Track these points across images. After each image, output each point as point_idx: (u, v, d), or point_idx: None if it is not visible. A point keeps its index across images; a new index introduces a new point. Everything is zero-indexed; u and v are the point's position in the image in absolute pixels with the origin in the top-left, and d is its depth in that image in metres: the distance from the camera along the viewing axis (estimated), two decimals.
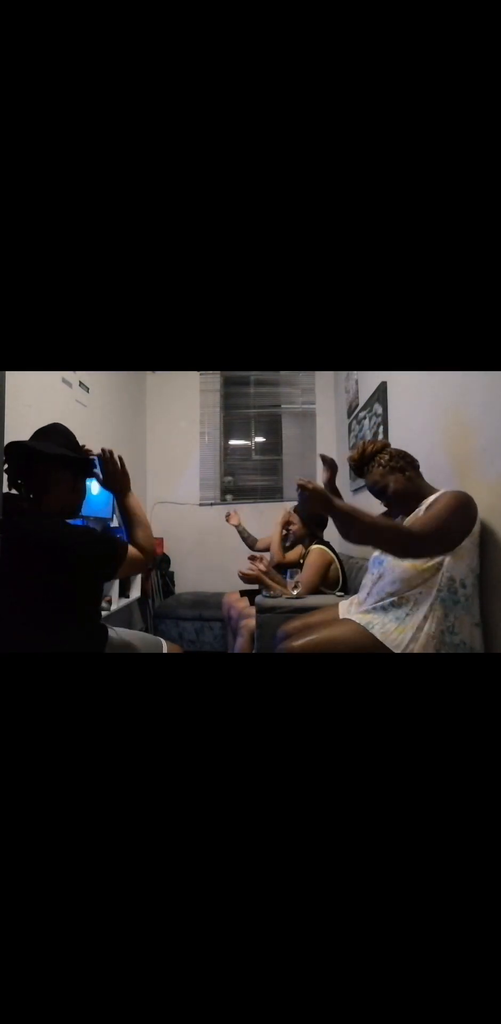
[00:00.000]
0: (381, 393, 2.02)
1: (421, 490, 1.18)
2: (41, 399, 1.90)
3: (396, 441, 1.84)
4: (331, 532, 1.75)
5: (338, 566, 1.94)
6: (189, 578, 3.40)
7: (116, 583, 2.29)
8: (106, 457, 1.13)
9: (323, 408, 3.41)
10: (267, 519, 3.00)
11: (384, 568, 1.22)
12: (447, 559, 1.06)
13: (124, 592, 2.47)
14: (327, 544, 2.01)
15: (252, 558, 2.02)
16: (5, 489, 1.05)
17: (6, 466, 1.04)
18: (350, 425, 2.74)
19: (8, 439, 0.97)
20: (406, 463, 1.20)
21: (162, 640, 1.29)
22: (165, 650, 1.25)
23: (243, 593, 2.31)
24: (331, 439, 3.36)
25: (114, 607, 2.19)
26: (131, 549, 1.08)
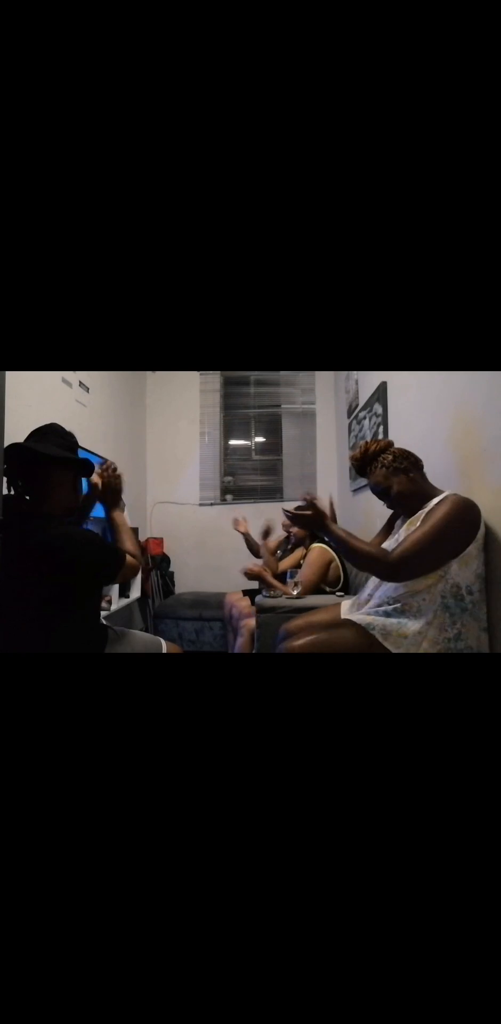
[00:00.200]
0: (381, 393, 2.02)
1: (425, 491, 1.16)
2: (41, 399, 1.90)
3: (396, 441, 1.83)
4: None
5: (339, 565, 1.94)
6: (189, 578, 3.40)
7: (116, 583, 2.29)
8: (109, 471, 1.21)
9: (323, 408, 3.40)
10: (267, 519, 3.00)
11: None
12: (452, 566, 1.04)
13: (124, 592, 2.47)
14: (328, 543, 2.00)
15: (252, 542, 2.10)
16: (4, 491, 1.04)
17: (5, 467, 1.04)
18: (350, 425, 2.74)
19: (8, 439, 0.97)
20: (410, 464, 1.18)
21: (162, 640, 1.29)
22: (165, 650, 1.25)
23: (245, 593, 2.31)
24: (331, 439, 3.36)
25: (114, 607, 2.19)
26: (128, 557, 1.11)
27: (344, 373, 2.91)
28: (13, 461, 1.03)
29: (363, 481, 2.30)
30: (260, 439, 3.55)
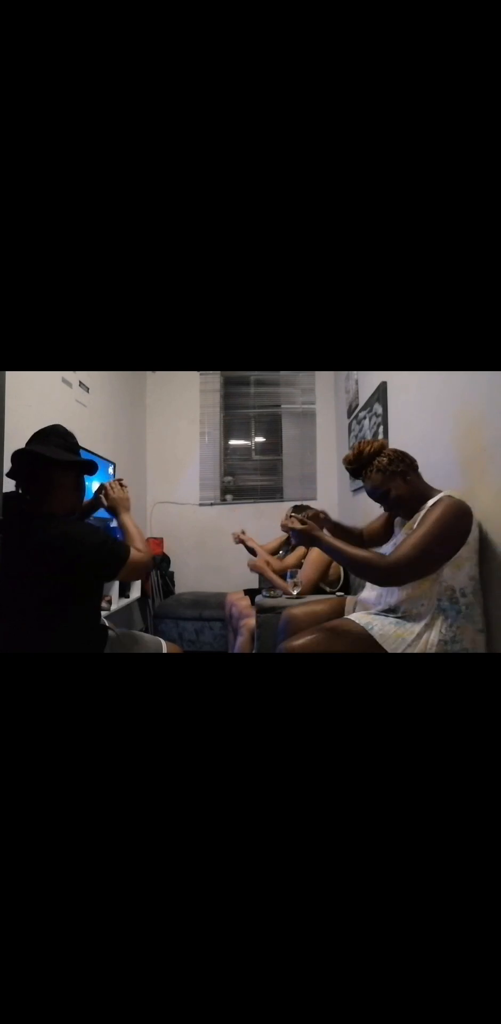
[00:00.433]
0: (381, 393, 2.02)
1: (422, 492, 1.16)
2: (41, 399, 1.90)
3: (396, 441, 1.84)
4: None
5: (339, 565, 1.95)
6: (189, 578, 3.40)
7: (116, 583, 2.29)
8: (109, 491, 1.24)
9: (323, 408, 3.40)
10: (267, 519, 3.00)
11: None
12: (444, 570, 1.05)
13: (124, 592, 2.47)
14: None
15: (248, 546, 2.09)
16: (7, 489, 1.05)
17: (11, 470, 1.05)
18: (350, 425, 2.74)
19: (8, 439, 0.97)
20: (406, 466, 1.18)
21: (162, 640, 1.29)
22: (165, 650, 1.25)
23: (245, 592, 2.31)
24: (331, 439, 3.36)
25: (114, 607, 2.19)
26: (133, 552, 1.09)
27: (344, 373, 2.91)
28: (17, 465, 1.04)
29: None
30: (260, 439, 3.55)
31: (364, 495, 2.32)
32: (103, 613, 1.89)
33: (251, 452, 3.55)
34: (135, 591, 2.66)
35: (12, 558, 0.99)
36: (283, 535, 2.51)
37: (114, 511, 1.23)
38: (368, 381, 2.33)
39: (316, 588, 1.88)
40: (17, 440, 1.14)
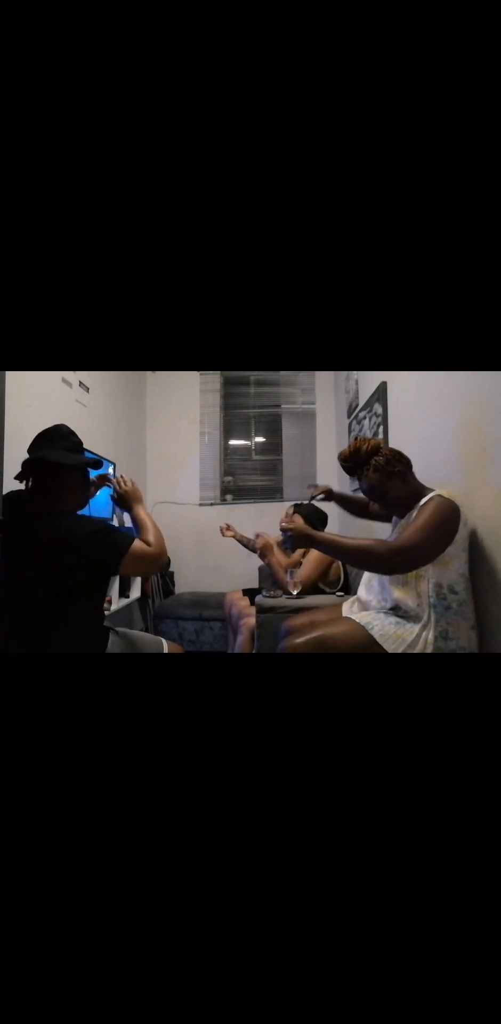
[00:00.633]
0: (381, 393, 2.02)
1: (416, 491, 1.18)
2: (41, 399, 1.90)
3: (396, 441, 1.84)
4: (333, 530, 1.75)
5: (339, 565, 1.94)
6: (189, 578, 3.40)
7: (116, 583, 2.29)
8: (117, 482, 1.21)
9: (323, 408, 3.40)
10: (267, 519, 3.00)
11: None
12: (432, 567, 1.07)
13: (124, 592, 2.47)
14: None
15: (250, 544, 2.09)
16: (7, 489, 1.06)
17: (20, 476, 1.06)
18: (350, 425, 2.74)
19: (8, 439, 0.97)
20: (402, 466, 1.18)
21: (163, 640, 1.29)
22: (166, 650, 1.25)
23: (245, 592, 2.31)
24: (331, 439, 3.36)
25: (114, 607, 2.19)
26: (137, 543, 1.05)
27: (344, 373, 2.91)
28: (26, 470, 1.05)
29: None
30: (260, 439, 3.55)
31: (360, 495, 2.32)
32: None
33: (251, 452, 3.55)
34: (135, 591, 2.66)
35: (14, 557, 0.99)
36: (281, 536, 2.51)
37: (127, 505, 1.20)
38: (368, 381, 2.33)
39: (315, 587, 1.87)
40: (17, 440, 1.14)
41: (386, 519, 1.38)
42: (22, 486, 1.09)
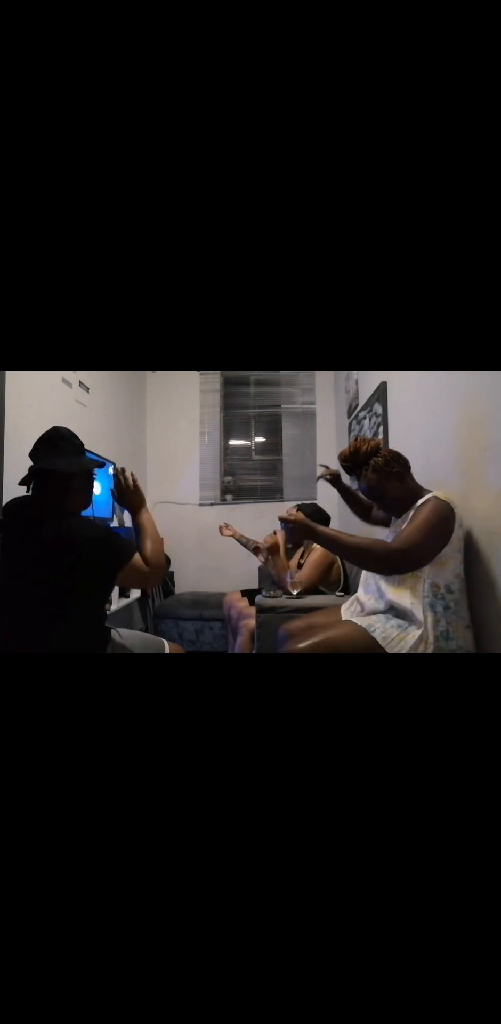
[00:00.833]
0: (381, 393, 2.02)
1: (414, 492, 1.19)
2: (41, 399, 1.90)
3: (396, 441, 1.84)
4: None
5: (340, 567, 1.94)
6: (189, 578, 3.40)
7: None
8: (119, 479, 1.18)
9: (323, 408, 3.40)
10: (267, 519, 3.00)
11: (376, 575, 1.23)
12: (428, 568, 1.08)
13: (124, 592, 2.47)
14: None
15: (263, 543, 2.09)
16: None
17: (25, 482, 1.07)
18: (350, 425, 2.74)
19: (8, 439, 0.97)
20: (401, 467, 1.20)
21: (164, 641, 1.29)
22: (167, 651, 1.25)
23: (244, 593, 2.31)
24: (331, 439, 3.36)
25: (114, 607, 2.19)
26: (137, 558, 1.06)
27: (344, 373, 2.91)
28: (32, 476, 1.06)
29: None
30: (260, 439, 3.55)
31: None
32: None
33: (251, 452, 3.55)
34: (135, 591, 2.66)
35: (15, 557, 0.99)
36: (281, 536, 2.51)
37: (128, 505, 1.19)
38: (368, 381, 2.33)
39: (314, 587, 1.87)
40: (17, 440, 1.14)
41: (387, 524, 1.38)
42: (23, 490, 1.09)
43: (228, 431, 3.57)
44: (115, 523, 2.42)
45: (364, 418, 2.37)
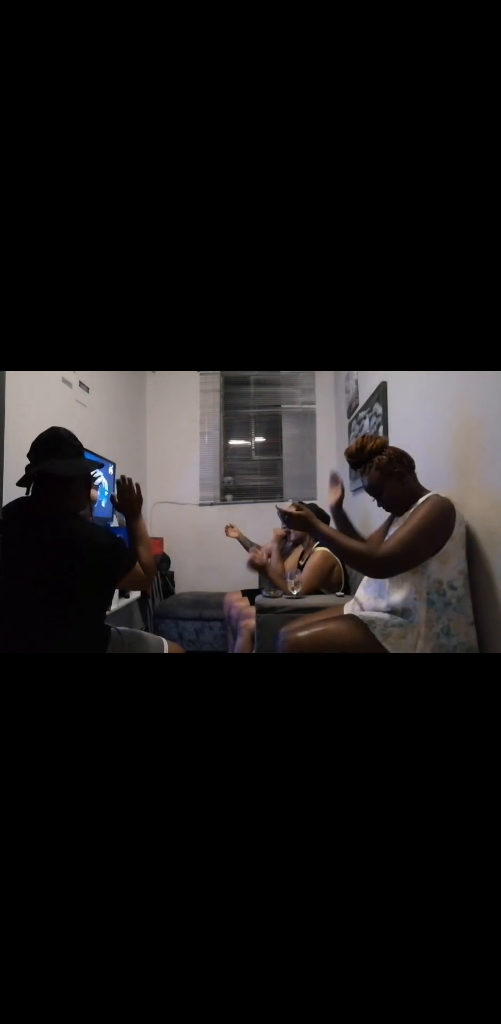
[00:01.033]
0: (381, 393, 2.02)
1: (414, 493, 1.20)
2: (41, 399, 1.90)
3: (396, 441, 1.84)
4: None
5: (341, 568, 1.94)
6: (189, 578, 3.40)
7: None
8: (124, 485, 1.22)
9: (323, 408, 3.40)
10: (267, 519, 3.00)
11: None
12: (431, 563, 1.08)
13: (124, 592, 2.46)
14: None
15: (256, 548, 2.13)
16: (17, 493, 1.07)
17: (24, 483, 1.07)
18: (350, 425, 2.73)
19: (8, 439, 0.98)
20: (402, 467, 1.21)
21: (164, 640, 1.29)
22: (166, 650, 1.25)
23: (245, 593, 2.31)
24: (331, 439, 3.36)
25: (114, 607, 2.19)
26: (137, 565, 1.12)
27: (344, 373, 2.91)
28: (30, 478, 1.06)
29: (362, 482, 2.30)
30: (260, 439, 3.55)
31: (364, 495, 2.33)
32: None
33: (251, 452, 3.55)
34: (135, 591, 2.65)
35: (15, 557, 0.99)
36: (278, 539, 2.51)
37: (129, 512, 1.22)
38: (368, 381, 2.33)
39: (315, 592, 1.88)
40: (17, 440, 1.14)
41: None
42: (22, 491, 1.09)
43: (228, 431, 3.57)
44: (115, 523, 2.42)
45: (364, 418, 2.37)
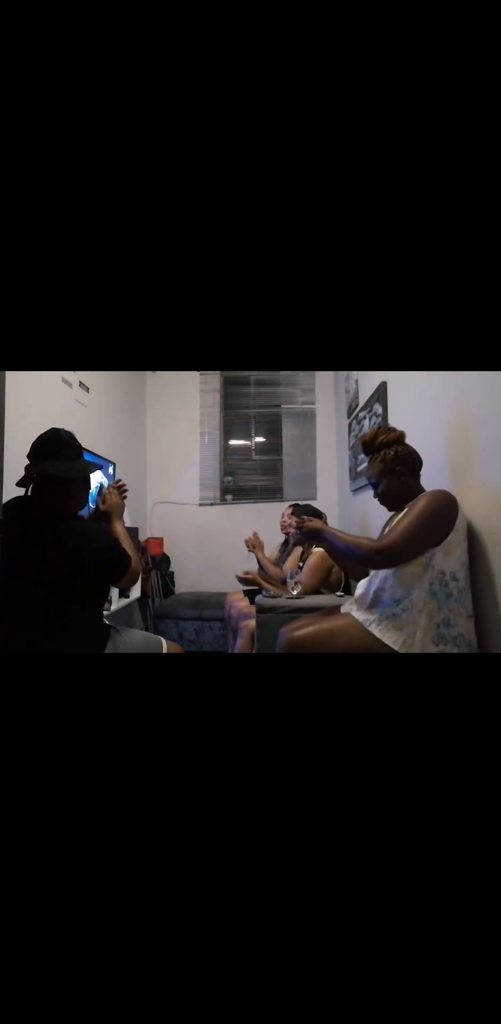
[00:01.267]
0: (381, 393, 2.02)
1: (412, 493, 1.21)
2: (41, 399, 1.90)
3: None
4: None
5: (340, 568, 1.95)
6: (189, 578, 3.40)
7: None
8: (107, 490, 1.28)
9: (323, 408, 3.40)
10: (267, 519, 3.00)
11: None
12: (436, 555, 1.08)
13: (124, 592, 2.46)
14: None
15: (251, 545, 2.22)
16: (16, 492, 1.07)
17: (23, 483, 1.08)
18: (350, 425, 2.73)
19: (8, 439, 0.97)
20: (405, 467, 1.22)
21: (162, 640, 1.29)
22: (165, 650, 1.25)
23: (246, 593, 2.31)
24: (331, 439, 3.36)
25: (114, 607, 2.19)
26: (134, 563, 1.14)
27: (344, 373, 2.91)
28: (29, 479, 1.07)
29: (363, 481, 2.30)
30: (260, 439, 3.55)
31: (364, 496, 2.33)
32: (104, 613, 1.89)
33: (251, 452, 3.55)
34: (135, 591, 2.65)
35: (15, 557, 1.00)
36: (281, 543, 2.52)
37: (108, 517, 1.26)
38: (368, 381, 2.33)
39: (315, 592, 1.89)
40: (17, 440, 1.14)
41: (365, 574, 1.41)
42: (21, 491, 1.10)
43: (228, 431, 3.57)
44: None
45: (364, 418, 2.37)
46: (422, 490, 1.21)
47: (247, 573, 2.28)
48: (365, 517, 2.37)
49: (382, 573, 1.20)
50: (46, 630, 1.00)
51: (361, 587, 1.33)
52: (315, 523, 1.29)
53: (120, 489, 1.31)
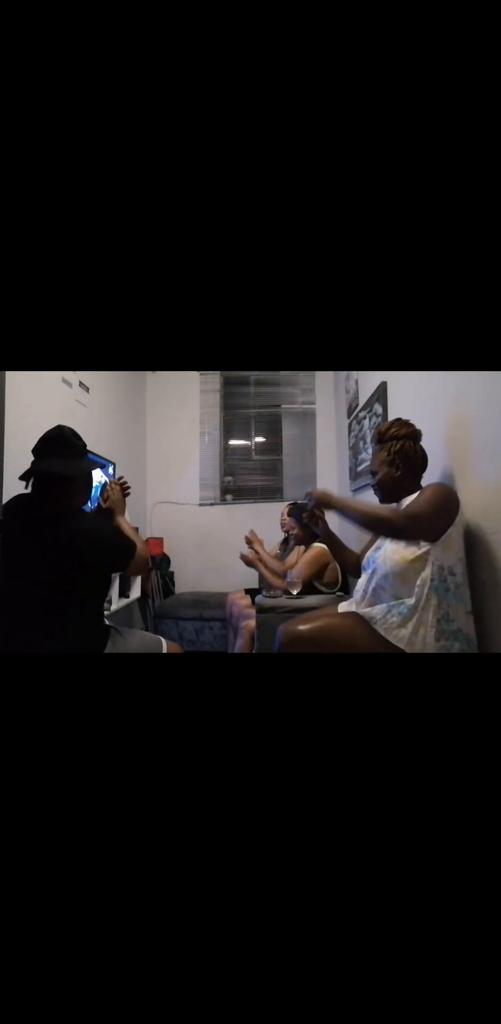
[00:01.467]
0: (381, 393, 2.02)
1: (407, 490, 1.22)
2: (41, 399, 1.90)
3: None
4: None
5: (337, 567, 1.94)
6: (189, 578, 3.40)
7: (116, 582, 2.29)
8: (109, 485, 1.30)
9: (323, 408, 3.40)
10: (267, 519, 3.00)
11: (377, 564, 1.23)
12: (435, 549, 1.09)
13: (124, 592, 2.47)
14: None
15: (249, 541, 2.21)
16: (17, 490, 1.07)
17: (25, 478, 1.09)
18: (350, 425, 2.73)
19: (8, 439, 0.98)
20: (406, 466, 1.22)
21: (162, 639, 1.29)
22: (165, 649, 1.25)
23: (247, 592, 2.32)
24: (331, 439, 3.36)
25: (114, 607, 2.19)
26: (141, 547, 1.18)
27: (344, 373, 2.91)
28: (31, 474, 1.08)
29: (363, 481, 2.31)
30: (260, 439, 3.55)
31: (364, 496, 2.33)
32: (104, 613, 1.89)
33: (251, 452, 3.55)
34: (135, 591, 2.66)
35: (15, 556, 1.00)
36: (280, 542, 2.52)
37: (110, 514, 1.27)
38: (368, 381, 2.33)
39: (308, 582, 1.89)
40: (17, 440, 1.14)
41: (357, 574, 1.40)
42: (22, 486, 1.10)
43: (228, 431, 3.57)
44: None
45: (364, 418, 2.37)
46: (420, 488, 1.21)
47: (251, 550, 2.27)
48: None
49: (381, 570, 1.19)
50: (46, 630, 1.00)
51: (360, 585, 1.33)
52: (323, 491, 1.26)
53: (122, 486, 1.32)
